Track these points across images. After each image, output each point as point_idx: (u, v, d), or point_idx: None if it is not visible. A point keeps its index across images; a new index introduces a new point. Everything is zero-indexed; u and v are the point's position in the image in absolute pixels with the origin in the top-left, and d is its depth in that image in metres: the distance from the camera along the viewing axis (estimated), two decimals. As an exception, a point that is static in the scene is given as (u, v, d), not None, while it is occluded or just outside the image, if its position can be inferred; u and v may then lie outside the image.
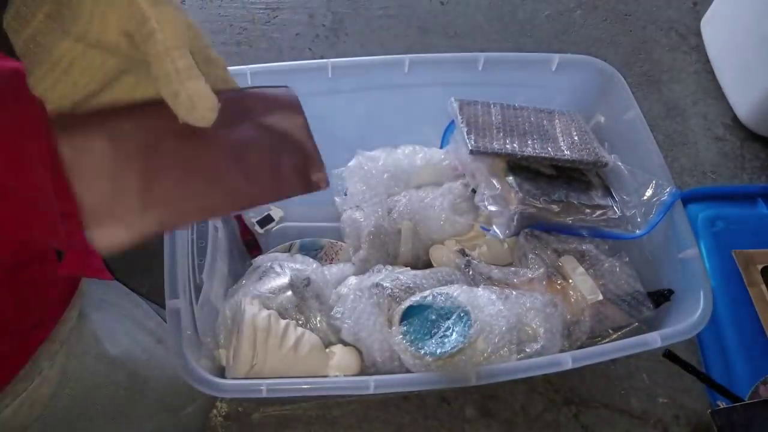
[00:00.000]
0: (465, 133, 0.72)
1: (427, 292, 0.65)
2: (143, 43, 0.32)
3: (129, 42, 0.33)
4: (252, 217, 0.84)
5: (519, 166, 0.71)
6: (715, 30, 1.16)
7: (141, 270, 0.66)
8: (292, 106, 0.35)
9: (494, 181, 0.70)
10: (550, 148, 0.73)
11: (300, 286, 0.68)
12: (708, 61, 1.16)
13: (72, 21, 0.32)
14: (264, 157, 0.36)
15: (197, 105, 0.32)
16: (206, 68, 0.36)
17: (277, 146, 0.36)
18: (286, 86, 0.35)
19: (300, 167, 0.37)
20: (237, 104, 0.34)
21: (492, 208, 0.70)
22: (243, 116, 0.34)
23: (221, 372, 0.63)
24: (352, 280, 0.71)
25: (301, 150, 0.36)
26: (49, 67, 0.34)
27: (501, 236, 0.69)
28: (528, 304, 0.65)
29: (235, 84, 0.38)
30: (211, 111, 0.33)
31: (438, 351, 0.60)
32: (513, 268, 0.70)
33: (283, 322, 0.64)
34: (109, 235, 0.30)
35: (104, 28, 0.32)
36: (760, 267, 0.87)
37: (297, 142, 0.36)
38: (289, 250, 0.81)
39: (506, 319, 0.62)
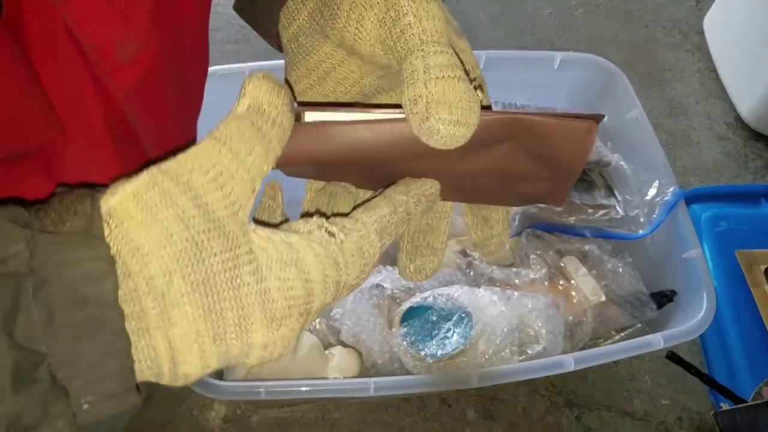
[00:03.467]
0: (466, 132, 0.71)
1: (427, 293, 0.64)
2: (396, 43, 0.26)
3: (385, 52, 0.27)
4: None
5: (521, 166, 0.71)
6: (718, 28, 1.16)
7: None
8: (579, 138, 0.26)
9: (496, 181, 0.69)
10: (552, 148, 0.73)
11: (299, 287, 0.68)
12: (711, 59, 1.16)
13: (331, 21, 0.28)
14: (496, 181, 0.30)
15: (432, 114, 0.24)
16: None
17: (521, 174, 0.29)
18: (602, 115, 0.28)
19: (535, 195, 0.31)
20: (506, 127, 0.27)
21: (493, 207, 0.69)
22: (499, 139, 0.27)
23: (219, 374, 0.62)
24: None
25: (551, 183, 0.30)
26: (305, 72, 0.31)
27: (502, 236, 0.69)
28: (530, 306, 0.64)
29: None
30: (453, 125, 0.24)
31: (439, 352, 0.60)
32: (515, 269, 0.69)
33: (281, 323, 0.63)
34: None
35: (360, 32, 0.27)
36: (763, 267, 0.86)
37: (551, 175, 0.29)
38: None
39: (508, 320, 0.61)
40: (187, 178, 0.21)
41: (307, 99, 0.32)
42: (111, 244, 0.20)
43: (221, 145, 0.22)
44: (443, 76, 0.24)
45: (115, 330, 0.20)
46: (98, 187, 0.22)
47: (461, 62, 0.27)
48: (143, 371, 0.21)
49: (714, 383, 0.75)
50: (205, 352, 0.21)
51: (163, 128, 0.37)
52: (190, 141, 0.43)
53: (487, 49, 0.77)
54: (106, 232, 0.20)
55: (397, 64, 0.27)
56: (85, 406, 0.20)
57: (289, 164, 0.26)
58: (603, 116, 0.27)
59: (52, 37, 0.30)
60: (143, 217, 0.20)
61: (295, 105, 0.33)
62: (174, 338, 0.21)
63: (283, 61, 0.34)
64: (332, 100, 0.32)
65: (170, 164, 0.21)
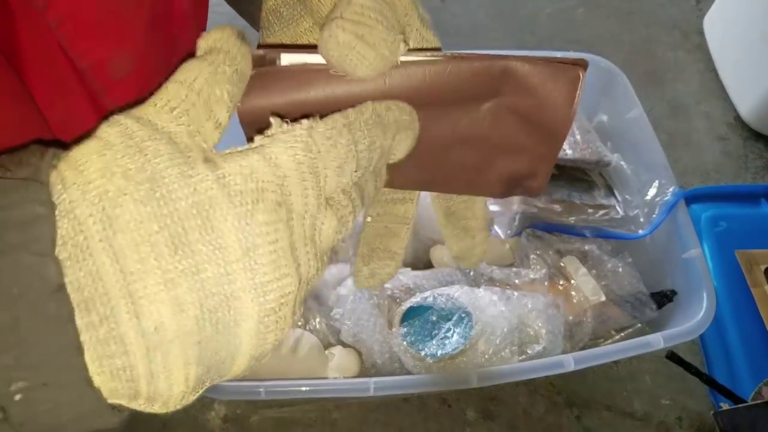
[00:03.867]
0: (466, 132, 0.71)
1: (427, 293, 0.64)
2: None
3: None
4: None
5: (521, 166, 0.71)
6: (718, 28, 1.16)
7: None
8: (567, 87, 0.24)
9: (495, 181, 0.69)
10: (552, 148, 0.73)
11: (299, 287, 0.68)
12: (711, 59, 1.16)
13: None
14: (476, 154, 0.27)
15: (339, 25, 0.22)
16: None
17: (504, 144, 0.27)
18: (583, 61, 0.24)
19: (516, 176, 0.28)
20: (484, 77, 0.24)
21: (493, 208, 0.69)
22: (482, 95, 0.25)
23: (219, 373, 0.62)
24: (352, 280, 0.70)
25: (534, 157, 0.27)
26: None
27: (502, 236, 0.69)
28: (530, 305, 0.64)
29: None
30: (358, 39, 0.22)
31: (439, 352, 0.60)
32: (514, 269, 0.69)
33: (281, 323, 0.63)
34: None
35: None
36: (763, 267, 0.86)
37: (535, 144, 0.27)
38: (288, 250, 0.80)
39: (507, 320, 0.61)
40: (139, 111, 0.19)
41: None
42: (58, 181, 0.17)
43: (168, 82, 0.20)
44: (363, 14, 0.22)
45: (50, 286, 0.16)
46: (54, 146, 0.19)
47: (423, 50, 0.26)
48: (95, 344, 0.16)
49: (714, 383, 0.74)
50: (168, 272, 0.16)
51: None
52: None
53: (487, 50, 0.77)
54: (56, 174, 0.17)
55: None
56: (18, 396, 0.15)
57: (264, 112, 0.24)
58: (586, 62, 0.24)
59: (47, 58, 0.30)
60: (90, 141, 0.18)
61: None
62: (121, 249, 0.16)
63: None
64: None
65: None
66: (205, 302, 0.17)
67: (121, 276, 0.16)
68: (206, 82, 0.20)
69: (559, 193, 0.69)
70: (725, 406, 0.76)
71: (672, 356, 0.73)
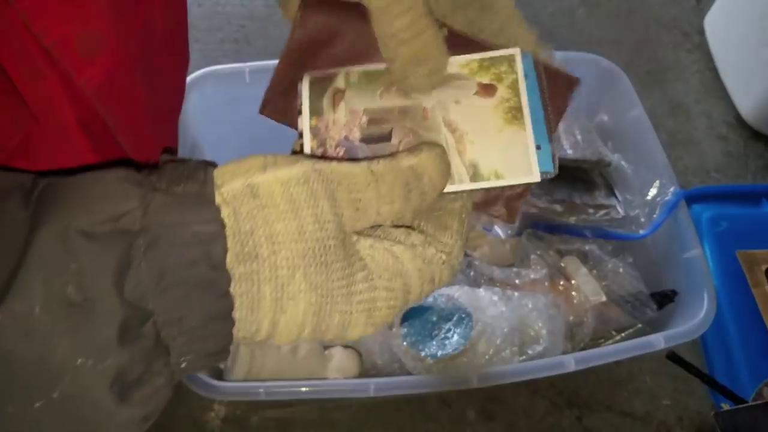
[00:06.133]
0: (466, 132, 0.71)
1: (427, 293, 0.64)
2: None
3: None
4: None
5: (521, 166, 0.71)
6: (719, 28, 1.15)
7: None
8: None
9: (496, 181, 0.69)
10: (552, 147, 0.73)
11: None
12: (711, 59, 1.15)
13: None
14: None
15: (408, 74, 0.28)
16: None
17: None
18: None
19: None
20: None
21: (494, 208, 0.69)
22: None
23: (219, 374, 0.62)
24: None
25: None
26: None
27: (503, 236, 0.69)
28: (530, 306, 0.64)
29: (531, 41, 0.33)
30: (426, 77, 0.29)
31: (439, 353, 0.60)
32: (515, 269, 0.69)
33: (281, 324, 0.63)
34: None
35: None
36: (764, 267, 0.86)
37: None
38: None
39: (508, 320, 0.61)
40: (334, 188, 0.22)
41: None
42: (246, 219, 0.21)
43: (373, 181, 0.23)
44: (405, 41, 0.28)
45: (221, 292, 0.21)
46: (207, 161, 0.23)
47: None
48: (236, 333, 0.22)
49: (714, 383, 0.74)
50: (301, 336, 0.23)
51: (138, 123, 0.37)
52: (170, 135, 0.43)
53: (488, 49, 0.77)
54: (246, 207, 0.21)
55: None
56: (183, 364, 0.21)
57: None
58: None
59: (12, 35, 0.30)
60: (286, 209, 0.21)
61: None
62: (279, 323, 0.22)
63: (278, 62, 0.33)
64: None
65: (324, 167, 0.23)
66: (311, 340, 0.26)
67: (272, 329, 0.22)
68: (389, 213, 0.24)
69: (559, 194, 0.68)
70: (726, 406, 0.76)
71: (673, 356, 0.73)
